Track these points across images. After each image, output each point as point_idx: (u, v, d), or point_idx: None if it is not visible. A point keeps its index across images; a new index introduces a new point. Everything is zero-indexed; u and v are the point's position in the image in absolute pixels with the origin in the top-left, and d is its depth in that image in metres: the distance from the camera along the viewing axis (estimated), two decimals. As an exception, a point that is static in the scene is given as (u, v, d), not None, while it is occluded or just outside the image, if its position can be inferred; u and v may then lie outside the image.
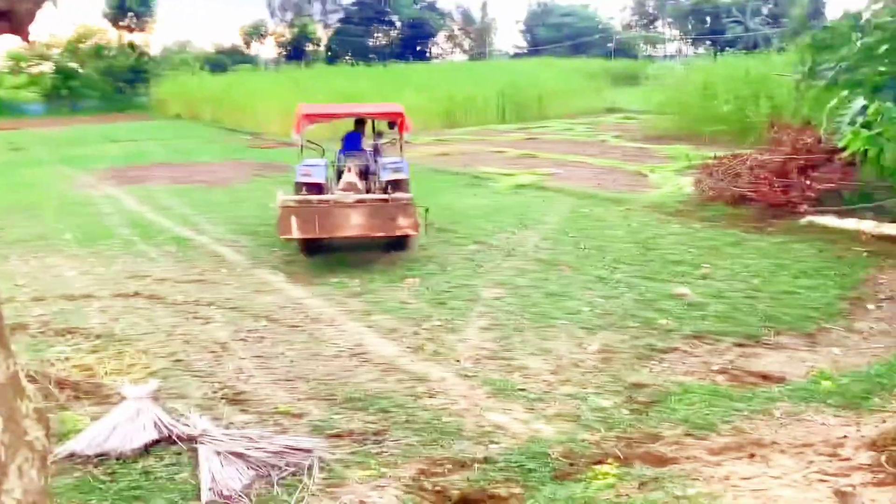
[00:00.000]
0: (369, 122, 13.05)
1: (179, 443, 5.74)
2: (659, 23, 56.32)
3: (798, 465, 4.70)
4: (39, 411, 3.06)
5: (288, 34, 66.76)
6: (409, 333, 8.25)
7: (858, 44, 8.35)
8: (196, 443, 5.63)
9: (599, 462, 5.23)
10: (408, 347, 7.90)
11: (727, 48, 35.45)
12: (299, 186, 10.94)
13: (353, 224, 10.32)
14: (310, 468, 5.35)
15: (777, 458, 4.88)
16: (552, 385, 6.96)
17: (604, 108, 39.79)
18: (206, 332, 8.44)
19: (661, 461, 5.10)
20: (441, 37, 64.85)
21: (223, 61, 61.65)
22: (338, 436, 6.00)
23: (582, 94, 38.82)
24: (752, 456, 4.96)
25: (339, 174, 11.69)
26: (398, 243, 11.15)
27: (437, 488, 5.17)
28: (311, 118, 12.13)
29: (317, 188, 10.97)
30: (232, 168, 22.46)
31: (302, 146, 11.78)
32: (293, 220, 10.24)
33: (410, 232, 10.59)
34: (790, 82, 15.21)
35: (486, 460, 5.56)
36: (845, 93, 10.56)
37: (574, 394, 6.75)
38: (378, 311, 9.03)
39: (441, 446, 5.84)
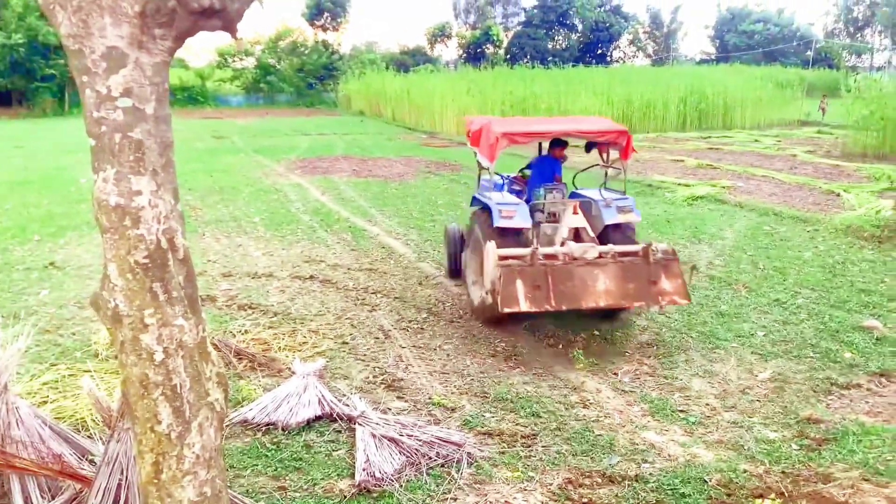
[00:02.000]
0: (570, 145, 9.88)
1: (339, 421, 6.05)
2: (867, 31, 51.46)
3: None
4: (221, 376, 3.34)
5: (469, 36, 68.14)
6: (564, 342, 8.16)
7: None
8: (354, 423, 5.91)
9: (760, 496, 4.91)
10: (562, 356, 7.82)
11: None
12: (500, 234, 8.05)
13: (600, 290, 7.59)
14: (458, 462, 5.44)
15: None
16: (716, 410, 6.60)
17: (796, 121, 37.14)
18: (372, 319, 8.83)
19: (831, 502, 4.69)
20: (624, 40, 63.34)
21: (407, 61, 64.10)
22: (488, 434, 6.06)
23: (772, 105, 36.48)
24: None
25: (531, 213, 8.75)
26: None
27: (584, 500, 5.08)
28: (512, 138, 8.22)
29: (515, 236, 8.21)
30: (406, 164, 23.30)
31: (492, 173, 8.97)
32: (519, 286, 7.41)
33: (679, 300, 7.82)
34: None
35: (636, 478, 5.39)
36: None
37: (739, 422, 6.36)
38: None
39: (591, 458, 5.73)
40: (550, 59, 53.42)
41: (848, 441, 5.76)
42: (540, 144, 10.02)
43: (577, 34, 60.97)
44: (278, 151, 27.11)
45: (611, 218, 8.45)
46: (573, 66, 44.72)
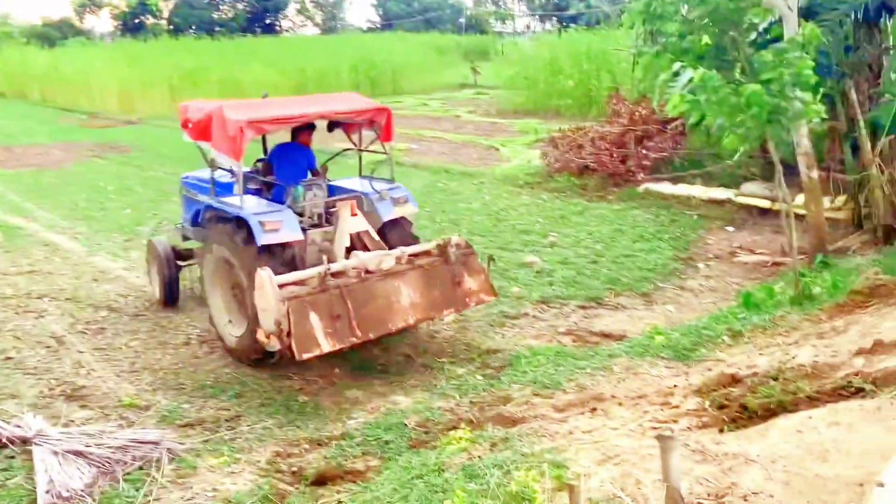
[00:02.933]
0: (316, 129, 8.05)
1: (11, 446, 5.32)
2: (508, -1, 57.75)
3: (634, 415, 5.05)
4: None
5: (125, 5, 62.48)
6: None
7: (684, 13, 8.90)
8: (31, 444, 5.25)
9: (453, 428, 5.37)
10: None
11: (571, 24, 36.81)
12: (262, 253, 6.48)
13: (406, 305, 6.59)
14: (158, 460, 5.13)
15: (616, 411, 5.20)
16: (410, 358, 7.06)
17: (458, 84, 40.34)
18: (40, 326, 7.85)
19: (512, 422, 5.31)
20: (291, 10, 62.98)
21: (52, 35, 56.78)
22: (189, 425, 5.81)
23: (435, 70, 39.09)
24: (593, 410, 5.27)
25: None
26: None
27: (294, 469, 5.13)
28: (259, 127, 6.74)
29: (279, 253, 6.70)
30: (65, 150, 20.82)
31: (239, 175, 6.84)
32: (314, 321, 6.08)
33: (486, 298, 7.19)
34: (627, 57, 16.00)
35: (343, 436, 5.57)
36: (677, 65, 11.25)
37: (430, 364, 6.89)
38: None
39: (297, 427, 5.79)
40: (217, 29, 51.20)
41: (521, 364, 6.53)
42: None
43: (244, 4, 59.22)
44: None
45: (388, 213, 7.24)
46: (242, 36, 43.38)
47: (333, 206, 7.25)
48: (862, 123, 8.74)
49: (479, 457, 4.61)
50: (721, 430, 4.36)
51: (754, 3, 8.59)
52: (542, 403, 5.62)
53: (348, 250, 6.93)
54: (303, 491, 4.87)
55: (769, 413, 4.36)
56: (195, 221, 8.01)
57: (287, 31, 58.89)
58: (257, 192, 7.44)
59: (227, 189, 7.36)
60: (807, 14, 8.88)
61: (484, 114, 26.79)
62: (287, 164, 7.63)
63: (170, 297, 8.36)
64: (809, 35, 7.81)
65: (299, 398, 6.29)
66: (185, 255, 8.48)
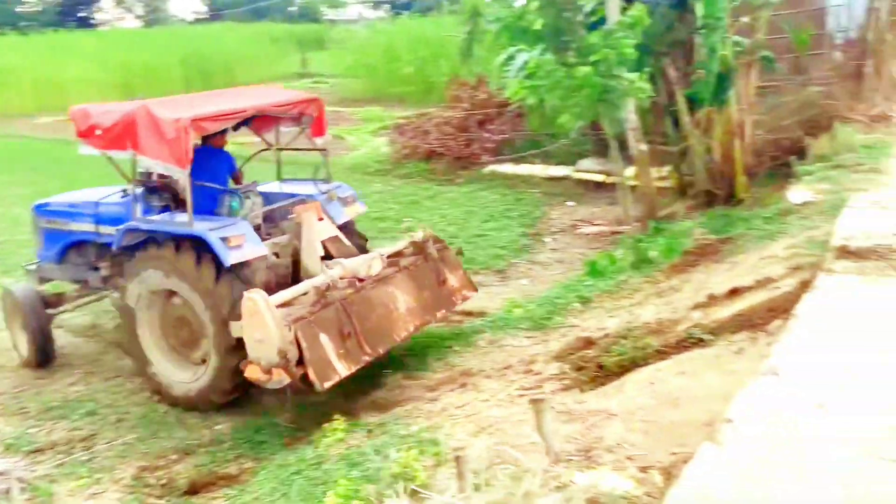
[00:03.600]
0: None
1: None
2: (339, -14, 57.08)
3: (502, 385, 5.27)
4: None
5: None
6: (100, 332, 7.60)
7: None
8: None
9: (328, 421, 5.35)
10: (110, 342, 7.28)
11: (404, 11, 37.05)
12: (226, 276, 5.71)
13: (403, 312, 6.07)
14: (8, 492, 4.74)
15: (485, 384, 5.40)
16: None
17: (294, 73, 39.52)
18: None
19: (386, 407, 5.38)
20: (108, 2, 58.83)
21: None
22: (39, 450, 5.41)
23: (270, 60, 38.05)
24: (463, 385, 5.44)
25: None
26: None
27: (163, 482, 4.92)
28: (201, 126, 5.82)
29: (241, 272, 5.84)
30: None
31: (188, 184, 5.83)
32: (325, 343, 5.39)
33: (469, 294, 6.82)
34: (458, 42, 16.33)
35: (212, 443, 5.41)
36: (512, 49, 11.66)
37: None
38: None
39: (161, 438, 5.55)
40: (24, 23, 46.91)
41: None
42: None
43: (51, -5, 54.66)
44: None
45: (340, 215, 6.68)
46: (54, 31, 40.01)
47: (285, 215, 6.55)
48: (680, 98, 9.49)
49: (357, 445, 4.64)
50: (582, 390, 4.65)
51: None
52: (413, 385, 5.73)
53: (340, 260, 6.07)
54: (175, 503, 4.69)
55: (623, 369, 4.70)
56: (61, 257, 7.06)
57: (104, 24, 54.99)
58: (164, 211, 6.49)
59: (112, 216, 6.59)
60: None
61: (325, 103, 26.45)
62: (204, 172, 6.23)
63: (43, 355, 6.90)
64: (637, 16, 8.40)
65: (160, 409, 6.01)
66: (54, 301, 7.10)
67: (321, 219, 6.36)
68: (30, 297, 6.89)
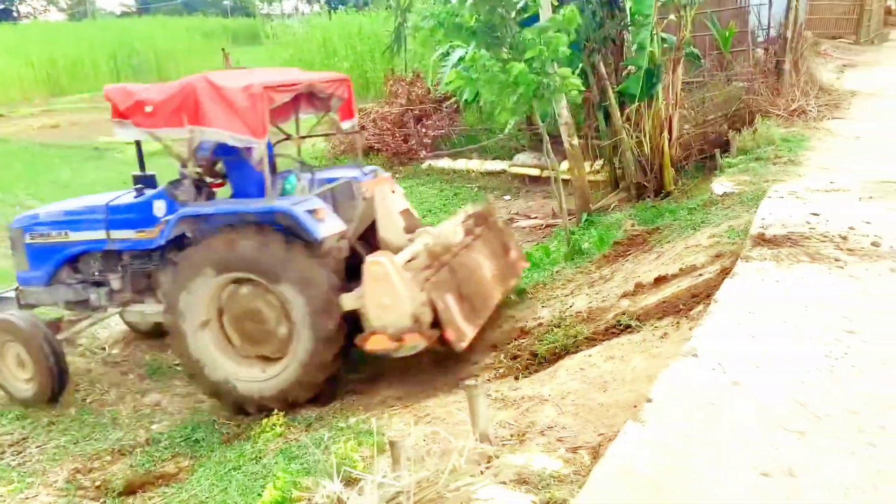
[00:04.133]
0: None
1: None
2: (273, -20, 56.12)
3: (439, 376, 5.34)
4: None
5: None
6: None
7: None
8: None
9: (266, 417, 5.35)
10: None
11: (340, 6, 36.78)
12: (315, 251, 5.36)
13: (490, 279, 5.98)
14: (-67, 503, 4.61)
15: (423, 375, 5.45)
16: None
17: (228, 69, 38.79)
18: None
19: (325, 401, 5.41)
20: (30, -7, 56.59)
21: None
22: (-36, 458, 5.24)
23: (203, 55, 37.27)
24: (402, 377, 5.51)
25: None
26: None
27: (98, 483, 4.85)
28: (272, 96, 5.42)
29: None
30: None
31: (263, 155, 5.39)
32: (451, 303, 5.26)
33: (524, 264, 6.85)
34: (387, 39, 16.31)
35: (148, 442, 5.35)
36: (447, 46, 11.74)
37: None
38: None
39: (96, 440, 5.45)
40: (-62, 16, 44.79)
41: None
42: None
43: (-32, -15, 52.20)
44: None
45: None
46: (-29, 23, 38.34)
47: (337, 196, 6.06)
48: (611, 93, 9.75)
49: (296, 439, 4.66)
50: (517, 378, 4.78)
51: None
52: (353, 379, 5.77)
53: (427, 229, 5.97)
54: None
55: (556, 357, 4.86)
56: (50, 278, 6.24)
57: (26, 18, 52.93)
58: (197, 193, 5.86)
59: (128, 218, 5.92)
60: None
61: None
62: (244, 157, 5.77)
63: (60, 388, 5.96)
64: (569, 15, 8.58)
65: (94, 410, 5.89)
66: (59, 326, 6.38)
67: (393, 191, 6.25)
68: (37, 325, 5.95)
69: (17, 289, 6.45)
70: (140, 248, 5.95)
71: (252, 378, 5.53)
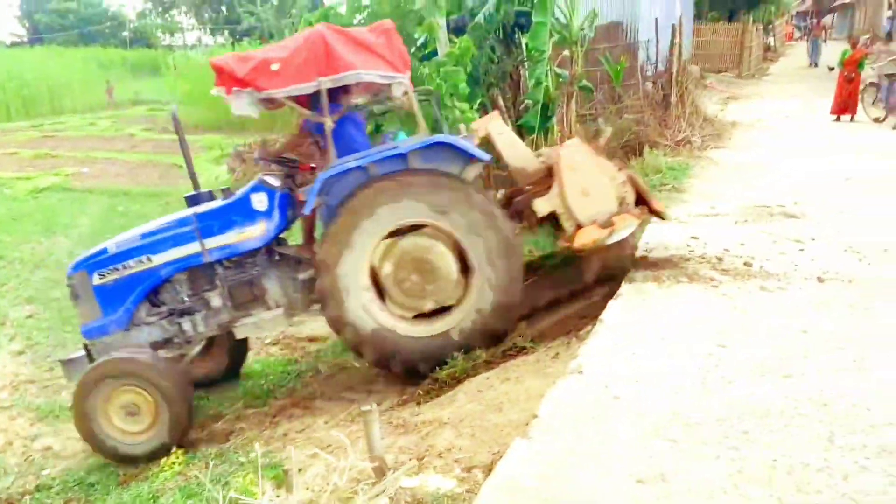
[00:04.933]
0: None
1: None
2: (175, 11, 54.95)
3: (343, 406, 5.37)
4: None
5: None
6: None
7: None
8: None
9: (166, 456, 5.23)
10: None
11: (245, 37, 36.49)
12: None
13: None
14: None
15: (326, 406, 5.50)
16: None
17: (128, 101, 37.72)
18: None
19: (225, 437, 5.33)
20: None
21: None
22: None
23: (100, 86, 36.13)
24: (305, 409, 5.51)
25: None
26: None
27: (-18, 536, 4.62)
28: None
29: None
30: None
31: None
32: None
33: None
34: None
35: (39, 489, 5.12)
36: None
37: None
38: None
39: (-21, 490, 5.18)
40: None
41: (229, 382, 6.51)
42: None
43: None
44: None
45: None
46: None
47: None
48: (511, 127, 10.10)
49: (195, 475, 4.58)
50: (419, 403, 4.87)
51: (418, 21, 9.52)
52: (254, 414, 5.71)
53: None
54: (-4, 556, 4.41)
55: (457, 381, 4.98)
56: (130, 319, 5.53)
57: None
58: (284, 191, 5.55)
59: (222, 223, 5.43)
60: (456, 30, 10.02)
61: (162, 131, 25.50)
62: (352, 126, 5.67)
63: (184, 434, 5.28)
64: (464, 49, 8.87)
65: (-20, 458, 5.61)
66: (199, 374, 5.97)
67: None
68: (163, 362, 5.29)
69: (85, 346, 5.61)
70: (242, 253, 5.47)
71: (423, 334, 5.23)
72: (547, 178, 5.34)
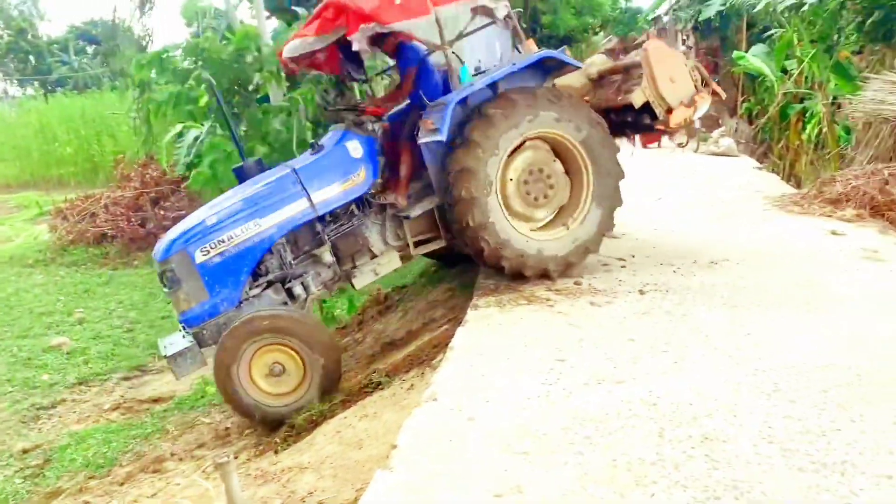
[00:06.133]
0: None
1: None
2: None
3: (196, 465, 5.19)
4: None
5: None
6: None
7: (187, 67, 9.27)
8: None
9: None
10: None
11: (58, 88, 34.26)
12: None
13: None
14: None
15: (178, 466, 5.27)
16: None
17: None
18: None
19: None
20: None
21: None
22: None
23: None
24: (155, 472, 5.25)
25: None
26: None
27: None
28: None
29: None
30: None
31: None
32: None
33: None
34: (128, 119, 15.70)
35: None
36: (179, 126, 11.54)
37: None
38: None
39: None
40: None
41: (66, 454, 6.06)
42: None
43: None
44: None
45: None
46: None
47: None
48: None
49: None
50: (277, 452, 4.80)
51: (258, 68, 9.44)
52: (97, 485, 5.36)
53: None
54: None
55: (314, 424, 4.96)
56: (240, 296, 5.28)
57: None
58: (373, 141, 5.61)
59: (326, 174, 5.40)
60: (289, 79, 10.04)
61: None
62: (429, 73, 5.82)
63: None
64: (303, 93, 8.91)
65: None
66: None
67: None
68: (312, 316, 5.53)
69: (194, 333, 5.27)
70: (350, 202, 5.51)
71: (550, 238, 5.59)
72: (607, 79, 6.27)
